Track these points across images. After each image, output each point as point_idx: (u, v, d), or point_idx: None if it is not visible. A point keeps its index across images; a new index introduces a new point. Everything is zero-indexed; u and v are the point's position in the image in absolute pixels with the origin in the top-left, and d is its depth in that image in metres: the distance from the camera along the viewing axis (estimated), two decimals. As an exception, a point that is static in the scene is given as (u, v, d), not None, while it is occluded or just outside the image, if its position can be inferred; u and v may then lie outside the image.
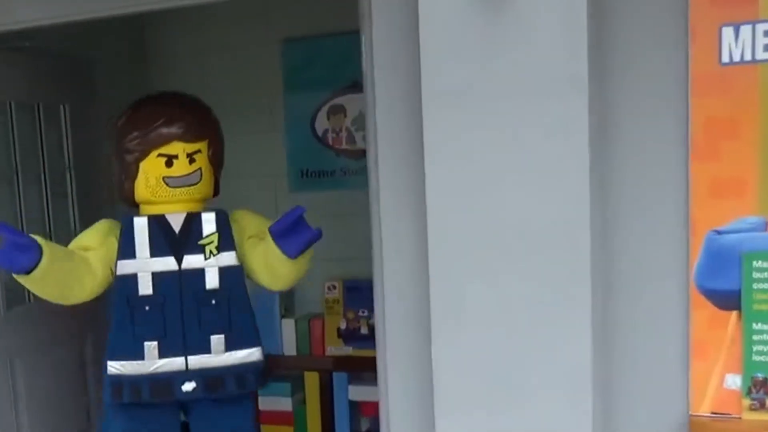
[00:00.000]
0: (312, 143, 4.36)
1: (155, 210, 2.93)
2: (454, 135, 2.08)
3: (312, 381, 4.26)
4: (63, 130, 3.85)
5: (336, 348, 4.23)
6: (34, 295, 3.54)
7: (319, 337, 4.26)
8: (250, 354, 2.96)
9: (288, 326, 4.28)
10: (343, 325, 4.22)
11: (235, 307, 2.93)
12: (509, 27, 2.02)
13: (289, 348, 4.27)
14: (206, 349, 2.90)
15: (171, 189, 2.90)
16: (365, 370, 4.09)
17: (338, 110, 4.31)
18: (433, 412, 2.14)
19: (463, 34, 2.07)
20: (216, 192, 3.06)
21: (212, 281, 2.91)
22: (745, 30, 1.98)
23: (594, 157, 1.99)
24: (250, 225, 3.00)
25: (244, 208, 3.10)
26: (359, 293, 4.18)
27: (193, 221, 2.91)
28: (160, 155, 2.88)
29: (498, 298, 2.04)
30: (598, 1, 2.03)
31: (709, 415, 2.02)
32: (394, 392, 2.34)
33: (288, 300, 4.36)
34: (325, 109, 4.32)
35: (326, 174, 4.37)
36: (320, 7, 4.14)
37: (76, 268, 2.84)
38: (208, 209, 2.97)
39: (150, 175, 2.91)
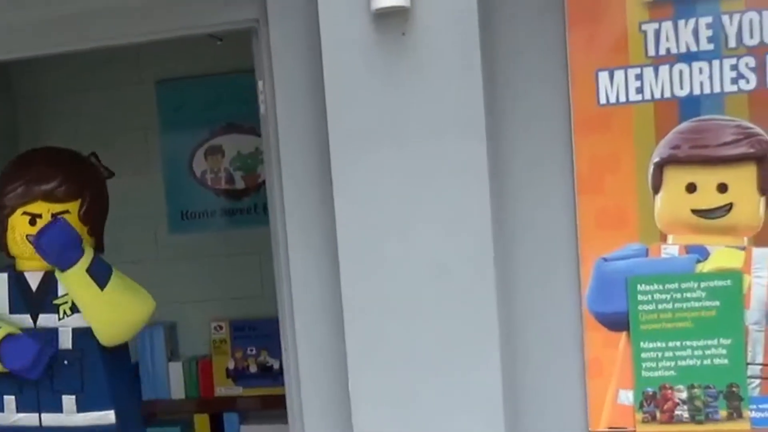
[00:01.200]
0: (191, 184, 4.41)
1: (21, 266, 2.96)
2: (363, 173, 2.22)
3: (202, 424, 4.28)
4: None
5: (226, 388, 4.26)
6: None
7: (207, 378, 4.29)
8: (103, 416, 2.97)
9: (175, 369, 4.31)
10: (231, 365, 4.26)
11: (88, 368, 2.95)
12: (410, 70, 2.19)
13: (177, 391, 4.28)
14: (59, 408, 2.94)
15: (32, 247, 2.91)
16: (257, 408, 4.22)
17: (216, 151, 4.38)
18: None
19: (367, 76, 2.21)
20: (98, 248, 3.05)
21: (65, 341, 2.93)
22: (618, 74, 2.22)
23: (492, 194, 2.17)
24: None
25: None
26: (247, 332, 4.25)
27: (50, 279, 2.93)
28: (24, 213, 2.92)
29: (412, 334, 2.18)
30: (488, 47, 2.22)
31: (606, 430, 2.23)
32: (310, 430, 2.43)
33: (173, 342, 4.38)
34: (202, 149, 4.39)
35: (207, 214, 4.42)
36: (193, 49, 4.21)
37: None
38: None
39: (15, 232, 2.95)
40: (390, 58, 2.21)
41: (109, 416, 2.97)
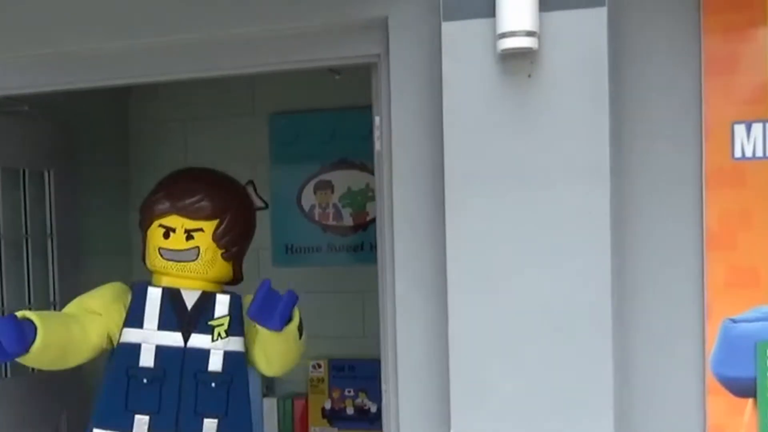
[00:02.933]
0: (298, 218, 4.47)
1: (167, 282, 3.01)
2: (477, 215, 2.22)
3: (295, 464, 4.29)
4: (46, 196, 3.94)
5: (320, 429, 4.28)
6: (11, 370, 3.63)
7: (302, 417, 4.31)
8: None
9: (270, 405, 4.33)
10: (328, 405, 4.28)
11: (234, 393, 2.98)
12: (534, 114, 2.19)
13: (271, 429, 4.30)
14: (198, 431, 2.95)
15: (163, 261, 3.00)
16: (352, 452, 4.21)
17: (325, 186, 4.44)
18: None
19: (488, 117, 2.22)
20: (236, 277, 3.12)
21: (215, 364, 2.96)
22: (757, 127, 2.17)
23: (613, 243, 2.14)
24: None
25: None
26: (346, 372, 4.27)
27: (207, 301, 2.98)
28: (160, 225, 3.01)
29: (521, 383, 2.16)
30: (617, 93, 2.20)
31: (726, 502, 2.15)
32: None
33: (269, 378, 4.38)
34: (311, 184, 4.46)
35: (312, 249, 4.47)
36: (310, 82, 4.29)
37: (72, 338, 2.89)
38: (224, 291, 3.04)
39: (150, 244, 3.04)
40: (513, 100, 2.21)
41: None
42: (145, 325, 2.95)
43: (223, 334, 2.95)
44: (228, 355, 2.96)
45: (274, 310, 2.82)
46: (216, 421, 2.96)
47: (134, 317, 2.95)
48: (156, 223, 3.02)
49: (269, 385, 4.42)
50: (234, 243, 3.06)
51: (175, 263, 2.99)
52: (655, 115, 2.23)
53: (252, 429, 3.07)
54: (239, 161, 4.46)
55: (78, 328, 2.92)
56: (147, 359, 2.95)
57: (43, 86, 3.03)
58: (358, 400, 4.26)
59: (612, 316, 2.11)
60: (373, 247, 4.08)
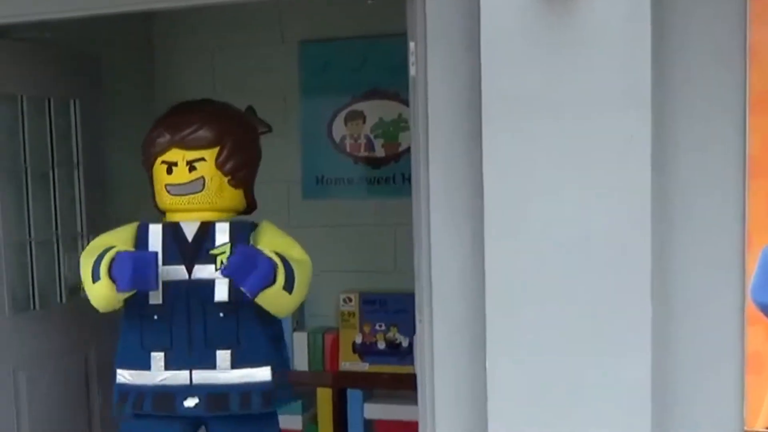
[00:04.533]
0: (329, 149, 4.51)
1: (173, 218, 3.07)
2: (514, 143, 2.24)
3: (324, 398, 4.37)
4: (72, 126, 4.01)
5: (351, 363, 4.35)
6: (40, 301, 3.75)
7: (333, 352, 4.39)
8: (257, 372, 3.05)
9: (300, 340, 4.41)
10: (359, 340, 4.34)
11: (244, 321, 3.02)
12: (573, 34, 2.19)
13: (301, 363, 4.39)
14: (212, 364, 3.01)
15: (172, 197, 3.05)
16: (382, 386, 4.31)
17: (357, 116, 4.47)
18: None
19: (526, 40, 2.23)
20: (249, 205, 3.17)
21: (221, 293, 2.99)
22: (805, 49, 2.17)
23: (654, 172, 2.17)
24: (265, 244, 3.04)
25: (268, 221, 3.20)
26: (377, 307, 4.33)
27: (208, 230, 3.03)
28: (162, 162, 3.05)
29: (557, 317, 2.20)
30: (659, 15, 2.20)
31: (764, 430, 2.20)
32: (441, 412, 2.45)
33: (299, 312, 4.48)
34: (342, 114, 4.48)
35: (343, 182, 4.52)
36: (339, 9, 4.30)
37: None
38: (223, 219, 3.08)
39: (156, 182, 3.09)
40: (553, 24, 2.21)
41: (264, 372, 3.04)
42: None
43: (226, 262, 2.92)
44: (233, 283, 2.94)
45: (250, 273, 2.84)
46: (229, 351, 3.01)
47: None
48: (159, 160, 3.06)
49: (299, 320, 4.50)
50: (239, 168, 3.08)
51: (182, 197, 3.04)
52: (697, 39, 2.23)
53: (269, 357, 3.09)
54: (268, 91, 4.53)
55: None
56: (155, 296, 3.01)
57: (64, 12, 3.03)
58: (390, 335, 4.31)
59: (650, 242, 2.14)
60: (405, 179, 4.29)
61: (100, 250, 2.97)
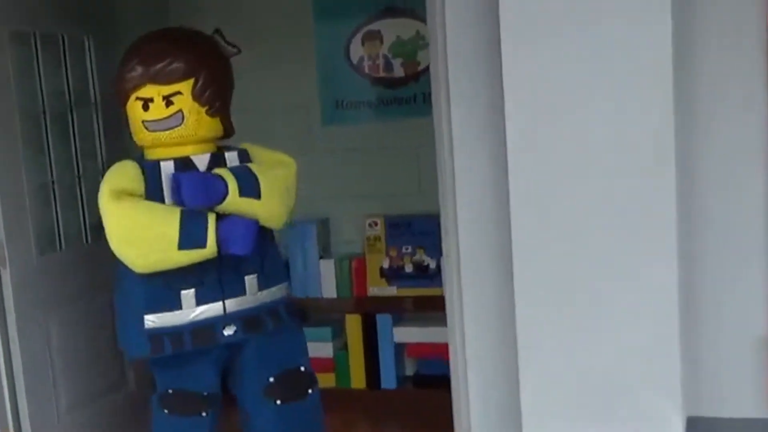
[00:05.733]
0: (346, 72, 4.53)
1: (163, 154, 3.05)
2: (537, 57, 2.23)
3: (354, 324, 4.49)
4: (87, 64, 4.07)
5: (379, 288, 4.45)
6: (65, 242, 3.86)
7: (360, 277, 4.48)
8: (282, 289, 3.24)
9: (327, 267, 4.51)
10: (386, 264, 4.43)
11: (263, 244, 3.14)
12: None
13: (329, 290, 4.50)
14: (241, 290, 3.11)
15: (151, 133, 3.04)
16: (411, 310, 4.42)
17: (374, 36, 4.48)
18: (515, 351, 2.33)
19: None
20: (227, 130, 3.17)
21: None
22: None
23: (676, 87, 2.18)
24: (263, 160, 3.18)
25: (248, 143, 3.23)
26: (402, 230, 4.40)
27: (218, 161, 3.08)
28: (137, 98, 3.04)
29: (582, 222, 2.24)
30: None
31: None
32: (471, 332, 2.51)
33: (325, 239, 4.60)
34: (359, 35, 4.49)
35: (362, 105, 4.55)
36: None
37: None
38: (230, 148, 3.14)
39: (132, 119, 3.08)
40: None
41: (286, 288, 3.26)
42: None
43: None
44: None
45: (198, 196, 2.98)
46: (255, 275, 3.13)
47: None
48: (132, 96, 3.04)
49: (325, 247, 4.61)
50: (216, 97, 3.07)
51: (161, 133, 3.04)
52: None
53: (286, 274, 3.32)
54: (280, 14, 4.56)
55: None
56: None
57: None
58: (417, 257, 4.39)
59: (674, 150, 2.16)
60: (426, 99, 4.31)
61: (141, 201, 3.01)
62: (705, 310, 2.33)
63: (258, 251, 3.10)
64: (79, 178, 4.02)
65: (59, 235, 3.90)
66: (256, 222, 3.05)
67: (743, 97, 2.26)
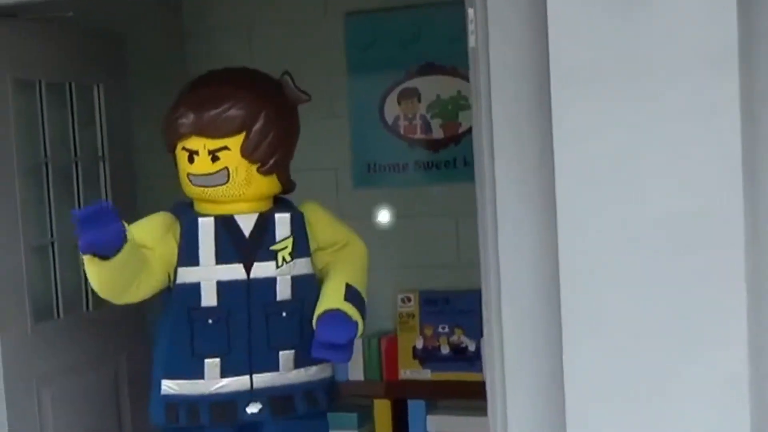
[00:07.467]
0: (380, 132, 4.50)
1: (211, 209, 3.02)
2: (587, 118, 2.20)
3: (383, 410, 4.37)
4: (96, 114, 4.01)
5: (411, 371, 4.35)
6: (64, 309, 3.75)
7: (391, 358, 4.39)
8: (322, 369, 3.13)
9: (355, 345, 4.37)
10: (419, 344, 4.34)
11: (307, 319, 3.03)
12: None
13: (356, 372, 4.40)
14: (274, 366, 3.04)
15: (195, 187, 3.01)
16: (447, 396, 4.30)
17: (411, 94, 4.46)
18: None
19: (597, 2, 2.18)
20: (285, 187, 3.12)
21: (284, 292, 3.04)
22: None
23: (744, 141, 2.11)
24: (321, 234, 3.13)
25: (313, 201, 3.20)
26: (439, 307, 4.32)
27: (266, 223, 3.01)
28: (184, 149, 3.00)
29: (640, 303, 2.17)
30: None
31: None
32: (515, 424, 2.42)
33: (353, 315, 4.49)
34: (395, 93, 4.47)
35: (397, 168, 4.50)
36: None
37: (142, 262, 2.92)
38: (281, 209, 3.06)
39: (180, 169, 3.05)
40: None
41: (327, 369, 3.16)
42: (202, 261, 2.99)
43: (288, 258, 2.99)
44: (296, 280, 3.03)
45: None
46: (292, 351, 3.06)
47: (189, 254, 2.98)
48: (179, 146, 3.00)
49: (353, 324, 4.50)
50: (270, 154, 3.00)
51: (206, 188, 3.00)
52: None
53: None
54: (311, 69, 4.48)
55: (143, 254, 2.92)
56: (209, 298, 3.00)
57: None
58: (454, 338, 4.31)
59: (743, 223, 2.10)
60: (467, 163, 4.22)
61: None
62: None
63: (298, 325, 3.04)
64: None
65: (57, 301, 3.80)
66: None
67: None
